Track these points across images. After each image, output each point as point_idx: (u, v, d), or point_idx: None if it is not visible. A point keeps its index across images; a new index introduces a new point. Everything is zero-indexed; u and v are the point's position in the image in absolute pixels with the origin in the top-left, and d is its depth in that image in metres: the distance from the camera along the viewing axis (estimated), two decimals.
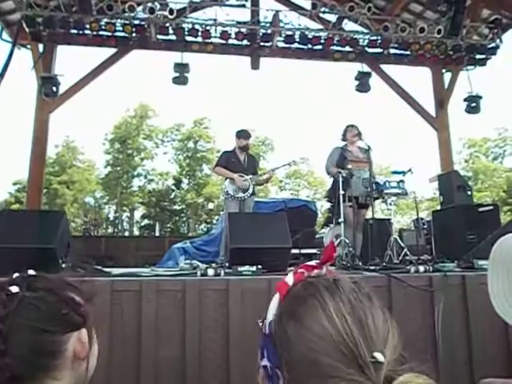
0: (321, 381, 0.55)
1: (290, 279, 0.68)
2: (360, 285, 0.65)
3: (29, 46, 7.99)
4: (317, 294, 0.62)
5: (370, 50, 8.39)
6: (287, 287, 0.67)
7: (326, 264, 0.70)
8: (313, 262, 0.72)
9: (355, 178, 5.06)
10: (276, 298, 0.68)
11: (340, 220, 5.01)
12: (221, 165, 5.72)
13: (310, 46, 8.10)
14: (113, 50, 8.28)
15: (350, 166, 5.09)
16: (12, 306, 0.77)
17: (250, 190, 5.57)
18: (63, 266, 3.09)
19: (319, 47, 8.15)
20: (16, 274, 0.85)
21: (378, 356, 0.54)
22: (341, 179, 5.03)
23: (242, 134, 5.82)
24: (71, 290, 0.88)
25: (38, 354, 0.78)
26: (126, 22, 7.55)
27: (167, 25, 7.54)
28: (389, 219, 5.67)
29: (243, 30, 7.81)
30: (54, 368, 0.80)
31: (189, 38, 7.76)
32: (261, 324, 0.69)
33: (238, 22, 7.86)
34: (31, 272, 0.87)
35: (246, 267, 3.27)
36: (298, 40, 7.97)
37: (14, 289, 0.80)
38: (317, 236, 7.19)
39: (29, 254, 2.85)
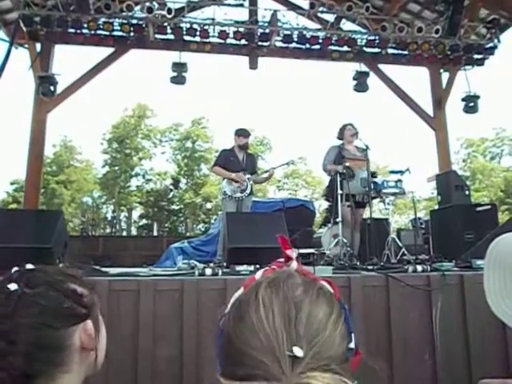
0: (245, 372, 0.55)
1: (258, 275, 0.68)
2: (313, 283, 0.64)
3: (26, 46, 7.97)
4: (257, 287, 0.61)
5: (368, 50, 8.40)
6: (251, 282, 0.66)
7: (289, 261, 0.70)
8: (282, 259, 0.71)
9: (354, 176, 5.06)
10: (238, 292, 0.67)
11: (338, 219, 5.01)
12: (219, 164, 5.68)
13: (308, 45, 8.11)
14: (111, 50, 8.26)
15: (347, 164, 5.08)
16: (12, 305, 0.76)
17: (248, 190, 5.55)
18: (60, 265, 3.08)
19: (317, 47, 8.16)
20: (15, 269, 0.83)
21: (296, 350, 0.53)
22: (339, 178, 5.03)
23: (242, 132, 5.79)
24: (72, 281, 0.85)
25: (43, 350, 0.77)
26: (124, 21, 7.55)
27: (165, 24, 7.54)
28: (386, 219, 5.67)
29: (241, 29, 7.81)
30: (62, 362, 0.79)
31: (187, 38, 7.75)
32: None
33: (236, 22, 7.86)
34: (29, 266, 0.84)
35: (244, 267, 3.26)
36: (296, 40, 7.97)
37: (13, 286, 0.78)
38: (315, 235, 7.19)
39: (25, 254, 2.84)
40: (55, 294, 0.81)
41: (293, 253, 0.71)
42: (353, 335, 0.63)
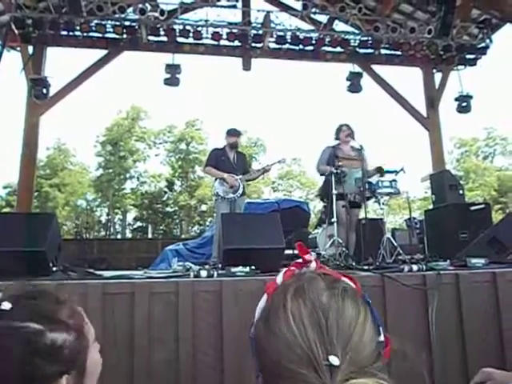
0: (283, 383, 0.56)
1: (279, 279, 0.69)
2: (336, 283, 0.65)
3: (18, 48, 7.92)
4: (284, 297, 0.62)
5: (361, 51, 8.44)
6: (274, 288, 0.67)
7: (308, 263, 0.71)
8: (301, 260, 0.72)
9: (347, 177, 5.05)
10: (263, 299, 0.69)
11: (333, 220, 5.01)
12: (211, 164, 5.68)
13: (301, 46, 8.14)
14: (103, 52, 8.23)
15: (341, 163, 5.07)
16: None
17: (241, 191, 5.54)
18: (54, 269, 3.05)
19: (310, 48, 8.19)
20: None
21: (333, 360, 0.54)
22: (333, 178, 5.02)
23: (231, 132, 5.81)
24: (53, 330, 0.75)
25: None
26: (117, 23, 7.53)
27: (158, 26, 7.53)
28: (381, 219, 5.68)
29: (234, 30, 7.81)
30: None
31: (180, 39, 7.76)
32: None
33: (230, 23, 7.86)
34: (6, 306, 0.76)
35: (240, 268, 3.23)
36: (289, 41, 8.00)
37: None
38: (310, 236, 7.19)
39: (19, 258, 2.81)
40: (20, 357, 0.71)
41: (311, 256, 0.72)
42: (381, 328, 0.64)
